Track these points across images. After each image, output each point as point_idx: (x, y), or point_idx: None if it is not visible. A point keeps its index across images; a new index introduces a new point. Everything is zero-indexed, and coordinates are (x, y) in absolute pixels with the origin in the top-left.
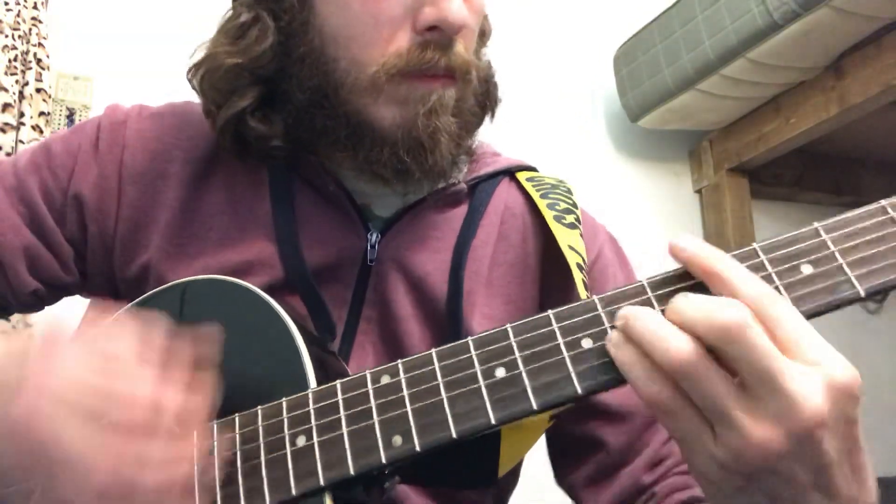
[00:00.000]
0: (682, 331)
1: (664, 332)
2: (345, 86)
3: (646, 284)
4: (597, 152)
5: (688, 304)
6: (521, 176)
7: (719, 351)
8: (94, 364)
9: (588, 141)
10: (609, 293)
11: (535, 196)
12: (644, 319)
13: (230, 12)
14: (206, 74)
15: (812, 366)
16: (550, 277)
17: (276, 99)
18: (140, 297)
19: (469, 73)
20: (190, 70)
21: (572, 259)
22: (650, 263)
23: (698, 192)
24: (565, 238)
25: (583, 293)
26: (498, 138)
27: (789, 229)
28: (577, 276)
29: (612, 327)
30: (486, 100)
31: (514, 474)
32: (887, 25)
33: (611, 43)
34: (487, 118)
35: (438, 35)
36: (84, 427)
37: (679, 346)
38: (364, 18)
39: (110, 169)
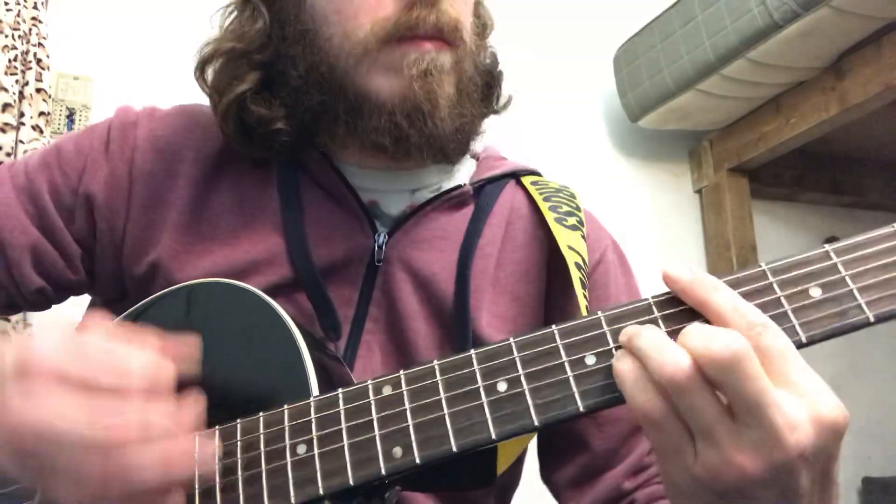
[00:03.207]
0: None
1: (663, 344)
2: (339, 59)
3: (652, 303)
4: (597, 152)
5: (691, 330)
6: (526, 180)
7: (713, 378)
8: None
9: (588, 141)
10: (613, 310)
11: (539, 199)
12: (646, 334)
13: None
14: (209, 66)
15: (801, 397)
16: (554, 278)
17: (275, 83)
18: (143, 301)
19: (459, 30)
20: (196, 69)
21: (571, 258)
22: (650, 263)
23: (698, 192)
24: (565, 238)
25: (579, 291)
26: (498, 138)
27: (789, 229)
28: (575, 275)
29: (617, 347)
30: (490, 81)
31: (515, 473)
32: (887, 25)
33: (611, 43)
34: (497, 117)
35: None
36: (73, 399)
37: (676, 360)
38: None
39: (121, 168)
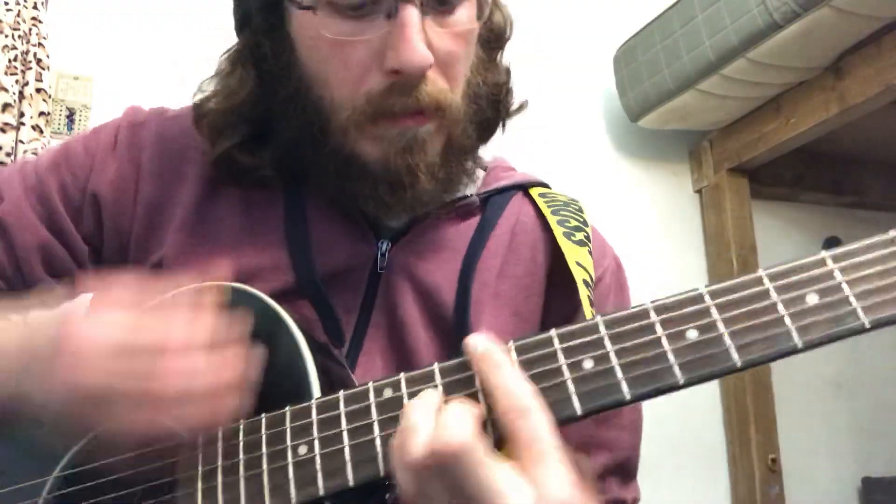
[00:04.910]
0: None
1: (412, 428)
2: (332, 121)
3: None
4: (597, 152)
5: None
6: (534, 192)
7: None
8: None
9: (588, 141)
10: (611, 315)
11: (547, 212)
12: (407, 413)
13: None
14: (199, 117)
15: (531, 484)
16: (556, 293)
17: (267, 134)
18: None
19: (441, 109)
20: (195, 120)
21: (579, 275)
22: (650, 264)
23: (698, 192)
24: (574, 255)
25: (587, 309)
26: (497, 139)
27: (789, 229)
28: (583, 293)
29: (615, 351)
30: (494, 112)
31: None
32: (887, 25)
33: (611, 43)
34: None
35: (402, 78)
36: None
37: (412, 447)
38: (334, 62)
39: (128, 169)
